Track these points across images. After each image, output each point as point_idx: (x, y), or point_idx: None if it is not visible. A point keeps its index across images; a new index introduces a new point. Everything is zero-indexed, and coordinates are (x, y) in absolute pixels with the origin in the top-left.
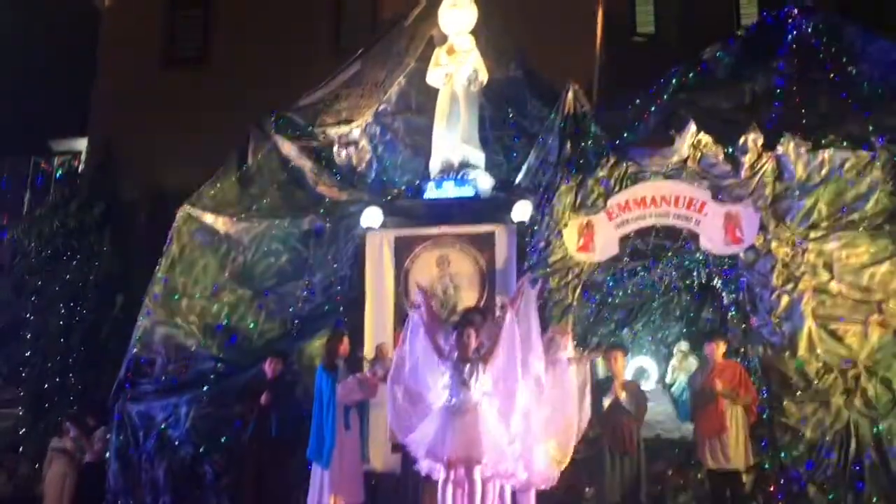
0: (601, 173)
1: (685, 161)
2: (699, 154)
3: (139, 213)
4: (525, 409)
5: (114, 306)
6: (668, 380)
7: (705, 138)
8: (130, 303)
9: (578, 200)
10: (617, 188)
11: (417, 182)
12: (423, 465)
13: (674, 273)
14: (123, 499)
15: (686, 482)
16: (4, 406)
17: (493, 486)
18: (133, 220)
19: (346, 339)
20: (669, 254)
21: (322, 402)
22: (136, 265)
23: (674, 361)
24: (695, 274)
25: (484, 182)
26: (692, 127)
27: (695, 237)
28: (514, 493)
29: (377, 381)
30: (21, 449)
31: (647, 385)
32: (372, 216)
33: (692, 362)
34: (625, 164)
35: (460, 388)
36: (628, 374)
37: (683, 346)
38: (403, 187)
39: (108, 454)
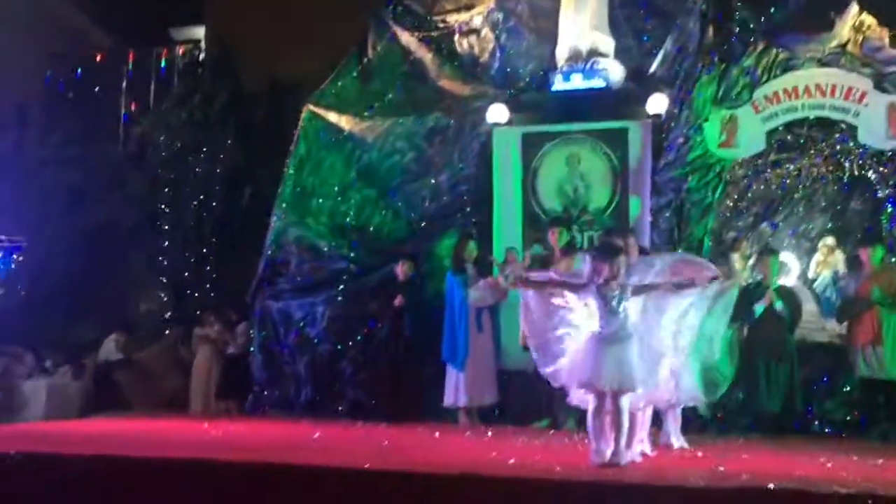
0: (747, 62)
1: (844, 46)
2: (861, 38)
3: (259, 106)
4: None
5: (242, 198)
6: (810, 275)
7: (869, 20)
8: (257, 195)
9: (721, 92)
10: (765, 78)
11: (542, 72)
12: (575, 395)
13: (822, 164)
14: (269, 389)
15: (834, 388)
16: (150, 289)
17: (642, 413)
18: (254, 112)
19: (471, 243)
20: (823, 145)
21: (453, 306)
22: (258, 158)
23: (818, 256)
24: (846, 164)
25: (615, 72)
26: (854, 7)
27: (853, 130)
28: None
29: (508, 285)
30: (168, 331)
31: (787, 281)
32: (497, 112)
33: (838, 258)
34: (774, 51)
35: (610, 316)
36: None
37: (829, 240)
38: (528, 79)
39: (251, 348)
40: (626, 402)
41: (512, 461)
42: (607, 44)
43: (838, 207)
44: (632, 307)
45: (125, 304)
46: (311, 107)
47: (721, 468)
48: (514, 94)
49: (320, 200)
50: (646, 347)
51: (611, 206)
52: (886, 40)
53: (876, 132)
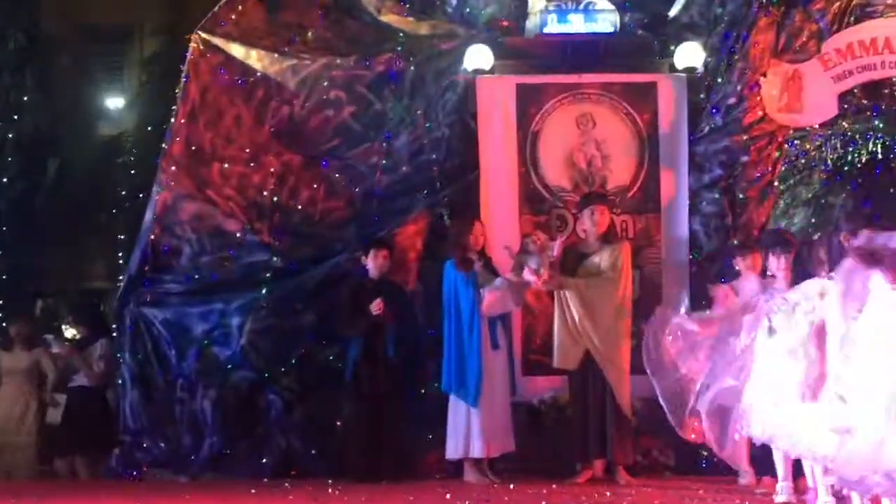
0: (815, 5)
1: None
2: None
3: (64, 53)
4: None
5: (45, 171)
6: None
7: None
8: (67, 167)
9: (781, 41)
10: (836, 26)
11: (513, 11)
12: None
13: (837, 143)
14: (150, 438)
15: None
16: None
17: None
18: (58, 61)
19: (479, 226)
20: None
21: (459, 314)
22: (66, 119)
23: None
24: (868, 143)
25: (616, 17)
26: None
27: None
28: None
29: (528, 285)
30: None
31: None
32: (479, 56)
33: None
34: None
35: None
36: None
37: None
38: (491, 19)
39: (119, 379)
40: None
41: None
42: None
43: (822, 201)
44: None
45: None
46: (204, 34)
47: None
48: (494, 35)
49: (225, 166)
50: None
51: (636, 183)
52: None
53: None
